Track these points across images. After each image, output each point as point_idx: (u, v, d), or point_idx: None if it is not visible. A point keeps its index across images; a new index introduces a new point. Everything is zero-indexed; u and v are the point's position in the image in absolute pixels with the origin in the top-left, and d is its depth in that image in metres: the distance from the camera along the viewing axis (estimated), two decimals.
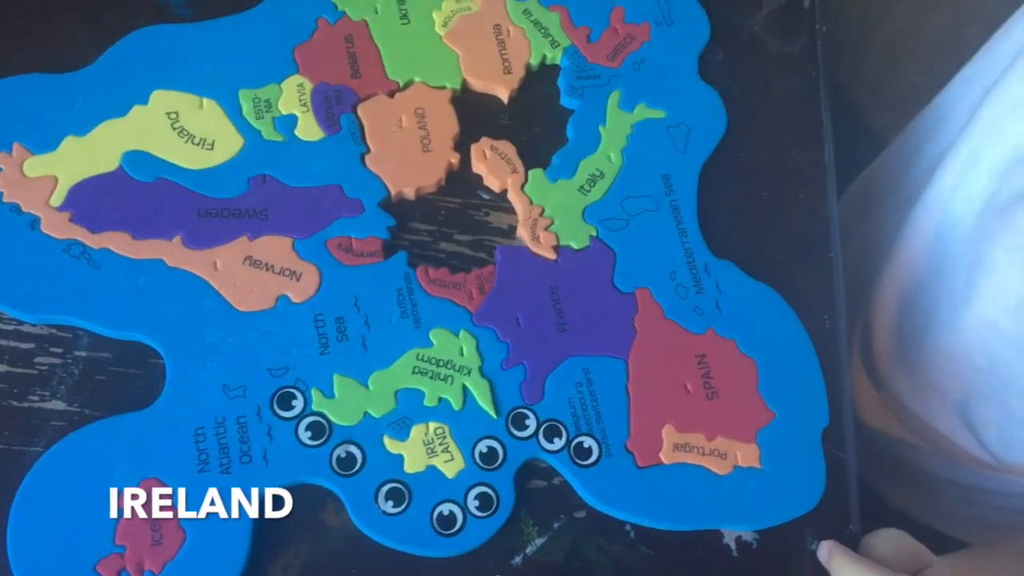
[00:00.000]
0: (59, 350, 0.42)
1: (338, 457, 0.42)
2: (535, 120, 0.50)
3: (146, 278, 0.43)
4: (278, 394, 0.42)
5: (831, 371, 0.48)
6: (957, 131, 0.56)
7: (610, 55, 0.52)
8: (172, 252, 0.44)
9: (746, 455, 0.45)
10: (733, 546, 0.44)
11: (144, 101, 0.46)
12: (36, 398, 0.41)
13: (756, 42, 0.55)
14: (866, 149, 0.72)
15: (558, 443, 0.44)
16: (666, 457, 0.44)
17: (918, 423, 0.60)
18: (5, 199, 0.43)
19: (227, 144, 0.46)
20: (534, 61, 0.51)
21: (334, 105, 0.48)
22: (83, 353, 0.42)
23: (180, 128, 0.46)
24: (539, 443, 0.44)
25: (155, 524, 0.39)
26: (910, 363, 0.58)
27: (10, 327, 0.42)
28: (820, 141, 0.53)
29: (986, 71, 0.55)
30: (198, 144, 0.46)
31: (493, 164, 0.48)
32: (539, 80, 0.51)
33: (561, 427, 0.44)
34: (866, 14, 1.10)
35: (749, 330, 0.47)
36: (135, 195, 0.44)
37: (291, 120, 0.47)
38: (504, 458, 0.43)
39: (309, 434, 0.42)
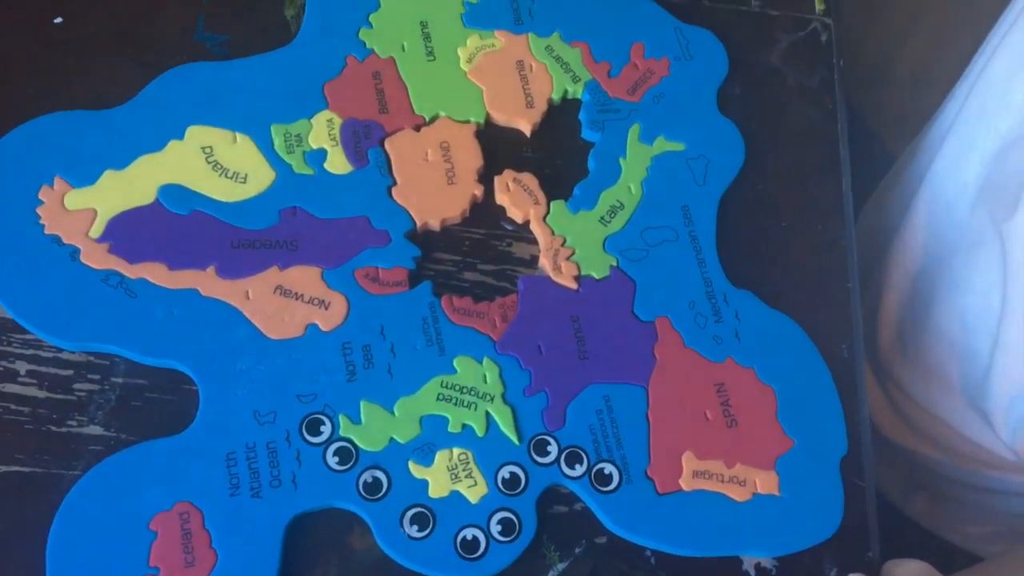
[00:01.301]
0: (97, 377, 0.44)
1: (364, 482, 0.43)
2: (557, 153, 0.51)
3: (181, 307, 0.44)
4: (307, 420, 0.44)
5: (849, 399, 0.48)
6: (950, 124, 0.58)
7: (630, 89, 0.53)
8: (206, 282, 0.45)
9: (765, 482, 0.45)
10: (752, 572, 0.45)
11: (180, 136, 0.48)
12: (74, 423, 0.43)
13: (774, 75, 0.56)
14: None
15: (579, 469, 0.45)
16: (686, 484, 0.45)
17: (927, 419, 0.60)
18: (46, 231, 0.45)
19: (259, 177, 0.48)
20: (556, 96, 0.52)
21: (362, 139, 0.49)
22: (120, 380, 0.44)
23: (214, 162, 0.48)
24: (561, 469, 0.45)
25: (188, 546, 0.40)
26: (913, 351, 0.59)
27: (50, 354, 0.44)
28: (838, 173, 0.54)
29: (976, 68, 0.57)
30: (231, 177, 0.47)
31: (516, 196, 0.50)
32: (561, 114, 0.52)
33: (582, 453, 0.45)
34: (887, 41, 1.10)
35: (768, 359, 0.48)
36: (171, 227, 0.46)
37: (321, 154, 0.49)
38: (526, 484, 0.44)
39: (336, 459, 0.43)
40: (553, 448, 0.45)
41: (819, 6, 0.59)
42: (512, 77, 0.52)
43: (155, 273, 0.45)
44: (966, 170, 0.54)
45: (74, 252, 0.45)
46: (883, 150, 0.87)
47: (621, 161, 0.51)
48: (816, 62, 0.57)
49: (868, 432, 0.48)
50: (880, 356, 0.63)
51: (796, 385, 0.48)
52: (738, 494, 0.45)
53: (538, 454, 0.45)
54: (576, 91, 0.53)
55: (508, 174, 0.50)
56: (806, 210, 0.53)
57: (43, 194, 0.46)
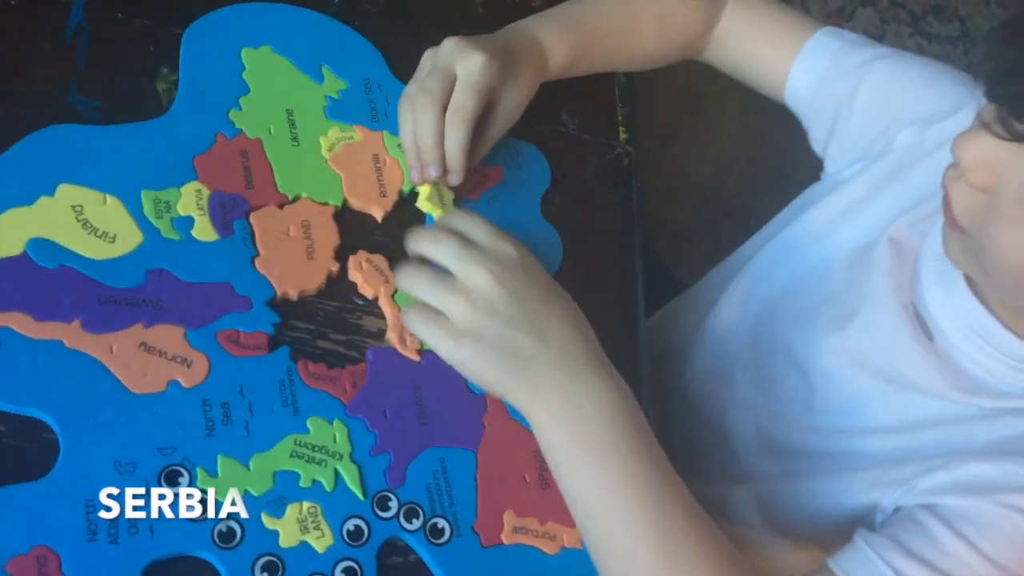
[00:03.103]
0: None
1: (219, 532, 0.46)
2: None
3: (45, 358, 0.46)
4: (166, 471, 0.46)
5: None
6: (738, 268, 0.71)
7: (469, 189, 0.60)
8: (71, 335, 0.47)
9: (571, 537, 0.53)
10: None
11: (51, 193, 0.49)
12: None
13: (586, 190, 0.66)
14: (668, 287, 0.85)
15: (416, 523, 0.50)
16: (506, 538, 0.52)
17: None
18: None
19: (128, 238, 0.50)
20: (405, 188, 0.59)
21: (229, 211, 0.53)
22: None
23: (84, 220, 0.50)
24: (399, 523, 0.50)
25: None
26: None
27: None
28: (634, 277, 0.64)
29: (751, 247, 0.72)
30: (100, 236, 0.50)
31: (368, 274, 0.55)
32: (409, 204, 0.59)
33: (419, 509, 0.50)
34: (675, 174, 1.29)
35: None
36: (38, 279, 0.47)
37: (188, 221, 0.52)
38: (368, 536, 0.49)
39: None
40: (394, 504, 0.50)
41: (622, 135, 0.69)
42: (368, 168, 0.58)
43: (20, 323, 0.46)
44: (744, 313, 0.68)
45: None
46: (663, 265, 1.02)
47: None
48: (619, 182, 0.67)
49: None
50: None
51: None
52: (549, 547, 0.52)
53: (380, 509, 0.50)
54: None
55: (361, 254, 0.56)
56: (610, 305, 0.62)
57: None
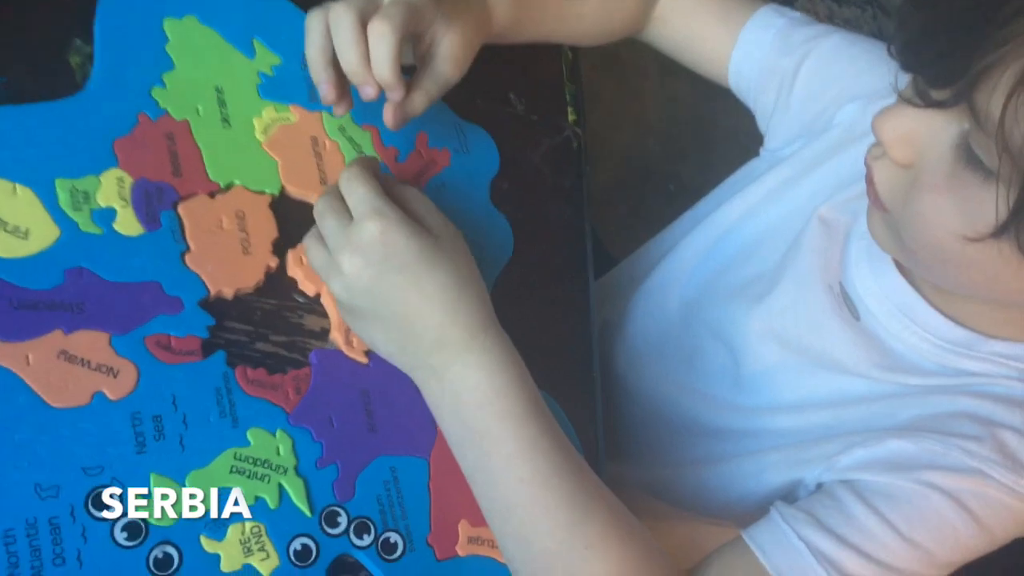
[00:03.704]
0: None
1: (155, 558, 0.42)
2: None
3: None
4: (93, 494, 0.42)
5: (592, 466, 0.55)
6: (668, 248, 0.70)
7: (415, 176, 0.57)
8: None
9: None
10: None
11: None
12: None
13: (537, 175, 0.63)
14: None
15: (367, 539, 0.47)
16: (461, 550, 0.49)
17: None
18: None
19: (42, 234, 0.45)
20: None
21: (155, 201, 0.49)
22: None
23: None
24: (350, 539, 0.47)
25: None
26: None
27: None
28: (584, 268, 0.62)
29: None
30: (11, 232, 0.44)
31: (308, 269, 0.51)
32: None
33: (370, 523, 0.48)
34: (594, 138, 1.26)
35: None
36: None
37: (110, 213, 0.47)
38: (317, 555, 0.46)
39: (125, 535, 0.42)
40: (343, 519, 0.47)
41: (571, 116, 0.66)
42: (307, 153, 0.54)
43: None
44: (675, 291, 0.68)
45: None
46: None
47: None
48: (569, 166, 0.65)
49: None
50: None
51: None
52: None
53: (329, 525, 0.47)
54: None
55: (302, 247, 0.51)
56: (559, 302, 0.60)
57: None
